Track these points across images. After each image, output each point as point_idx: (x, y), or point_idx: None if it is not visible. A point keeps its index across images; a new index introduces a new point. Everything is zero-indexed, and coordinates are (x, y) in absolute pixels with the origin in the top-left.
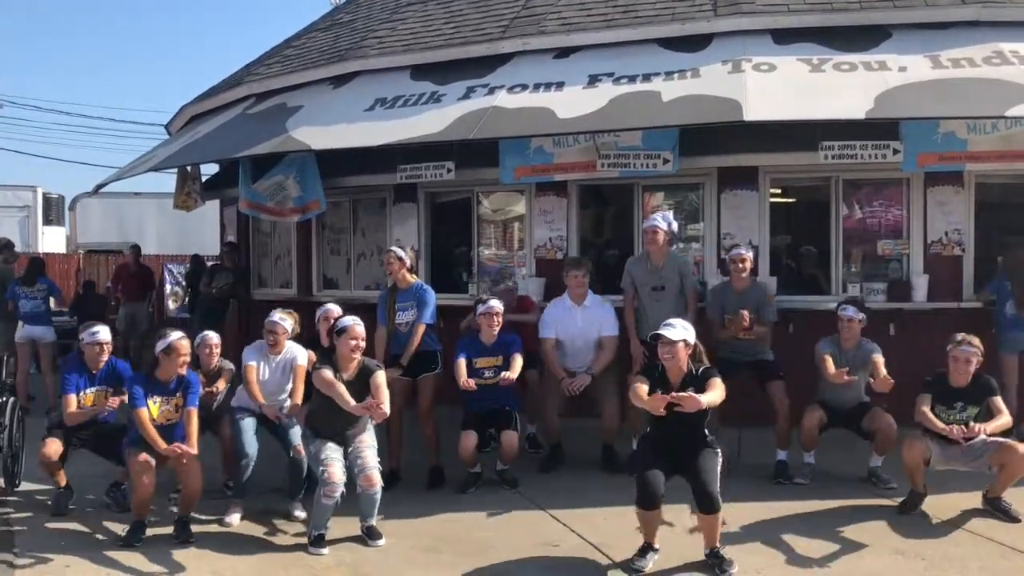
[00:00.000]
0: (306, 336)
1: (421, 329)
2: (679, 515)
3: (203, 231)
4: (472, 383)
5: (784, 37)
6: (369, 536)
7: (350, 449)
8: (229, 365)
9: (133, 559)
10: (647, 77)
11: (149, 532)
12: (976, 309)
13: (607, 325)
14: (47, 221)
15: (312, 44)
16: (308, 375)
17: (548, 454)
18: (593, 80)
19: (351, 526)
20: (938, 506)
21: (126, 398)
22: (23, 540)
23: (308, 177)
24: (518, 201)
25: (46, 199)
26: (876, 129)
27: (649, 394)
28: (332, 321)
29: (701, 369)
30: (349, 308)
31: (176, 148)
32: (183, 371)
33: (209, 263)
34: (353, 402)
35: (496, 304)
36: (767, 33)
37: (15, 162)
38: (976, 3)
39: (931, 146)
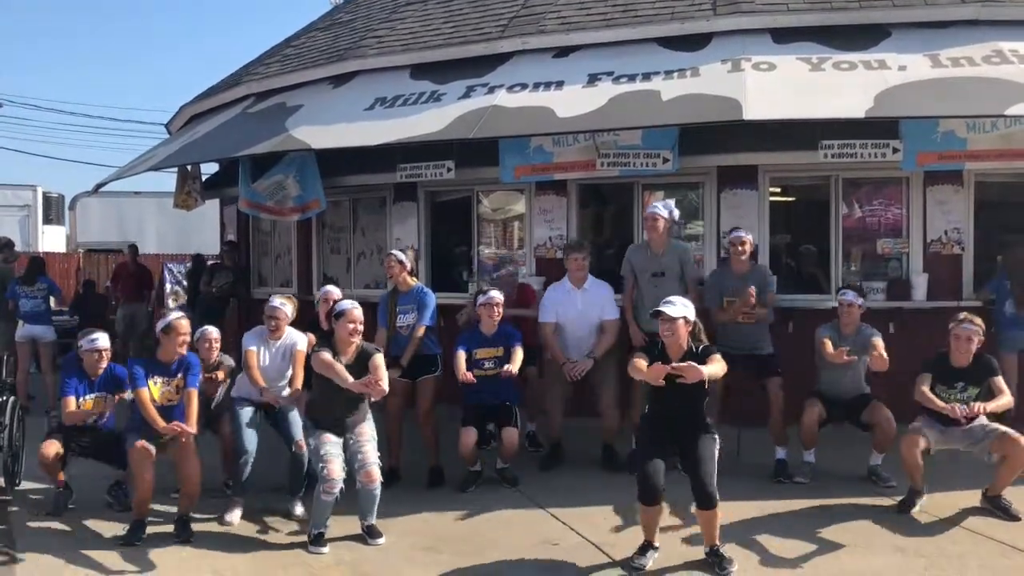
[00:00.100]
0: (307, 320)
1: (421, 330)
2: (678, 514)
3: (203, 230)
4: (471, 376)
5: (784, 36)
6: (369, 535)
7: (351, 442)
8: (229, 360)
9: (133, 558)
10: (647, 76)
11: (149, 531)
12: (976, 308)
13: (608, 308)
14: (47, 220)
15: (312, 44)
16: (308, 362)
17: (548, 453)
18: (593, 79)
19: (351, 525)
20: (938, 504)
21: (127, 394)
22: (23, 539)
23: (308, 176)
24: (518, 200)
25: (46, 198)
26: (876, 128)
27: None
28: (331, 303)
29: (701, 347)
30: None
31: (176, 147)
32: (183, 351)
33: (209, 262)
34: (351, 379)
35: (496, 295)
36: (766, 32)
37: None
38: (975, 2)
39: (931, 145)
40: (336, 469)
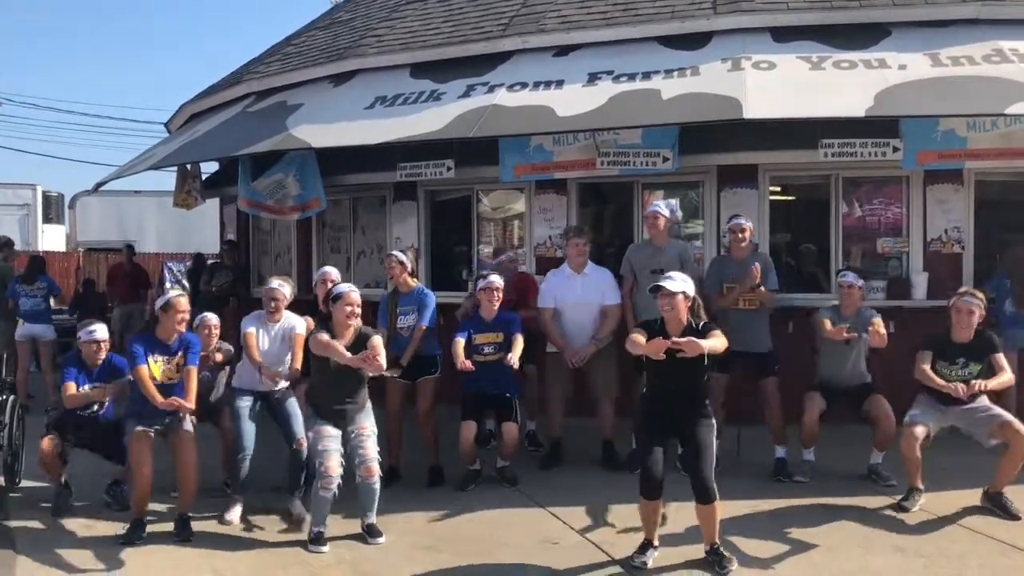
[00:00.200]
0: (305, 301)
1: (421, 330)
2: (679, 513)
3: (203, 229)
4: (469, 364)
5: (784, 35)
6: (369, 534)
7: (351, 436)
8: (228, 346)
9: (133, 557)
10: (647, 75)
11: (149, 530)
12: None
13: (609, 293)
14: (47, 219)
15: (312, 42)
16: (308, 348)
17: (548, 452)
18: (593, 78)
19: (351, 524)
20: (938, 503)
21: (127, 379)
22: (23, 538)
23: (308, 175)
24: (518, 199)
25: (46, 197)
26: (876, 127)
27: None
28: (329, 285)
29: (701, 323)
30: None
31: (176, 146)
32: (182, 328)
33: (209, 261)
34: (349, 355)
35: (496, 279)
36: (767, 31)
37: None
38: (976, 1)
39: (931, 144)
40: (334, 465)
